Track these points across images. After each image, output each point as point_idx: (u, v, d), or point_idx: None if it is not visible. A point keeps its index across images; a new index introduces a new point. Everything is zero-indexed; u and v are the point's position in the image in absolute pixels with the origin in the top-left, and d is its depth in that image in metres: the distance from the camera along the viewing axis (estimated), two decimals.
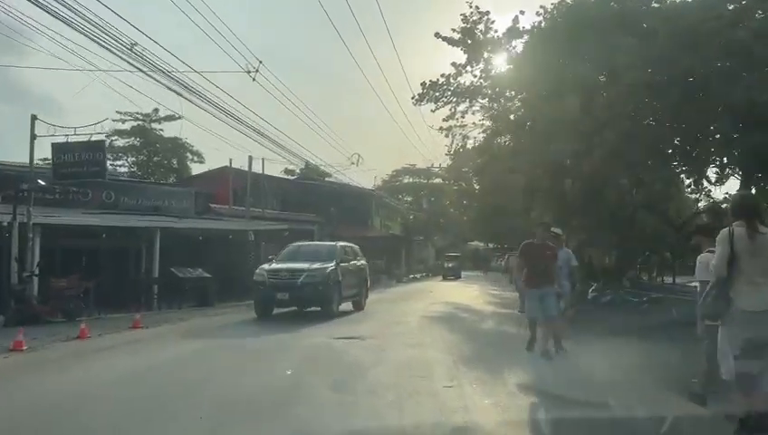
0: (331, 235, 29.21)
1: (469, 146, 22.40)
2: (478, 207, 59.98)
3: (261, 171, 24.38)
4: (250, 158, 23.74)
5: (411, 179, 69.40)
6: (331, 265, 14.91)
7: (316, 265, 14.64)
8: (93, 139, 15.18)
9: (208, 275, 18.50)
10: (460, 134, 21.94)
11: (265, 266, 15.29)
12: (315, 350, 9.95)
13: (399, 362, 8.56)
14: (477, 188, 60.16)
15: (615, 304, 12.78)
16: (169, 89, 14.36)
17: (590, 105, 13.63)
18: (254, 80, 16.22)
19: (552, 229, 8.87)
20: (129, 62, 12.98)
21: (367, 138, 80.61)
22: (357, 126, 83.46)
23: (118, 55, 12.39)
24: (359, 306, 16.97)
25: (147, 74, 13.64)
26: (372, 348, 9.91)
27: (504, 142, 32.94)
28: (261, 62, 16.12)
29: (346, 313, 15.91)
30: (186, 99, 14.89)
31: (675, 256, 23.79)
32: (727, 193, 18.96)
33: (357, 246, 18.10)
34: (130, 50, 12.16)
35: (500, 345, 10.57)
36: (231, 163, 25.59)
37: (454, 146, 22.17)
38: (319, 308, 14.72)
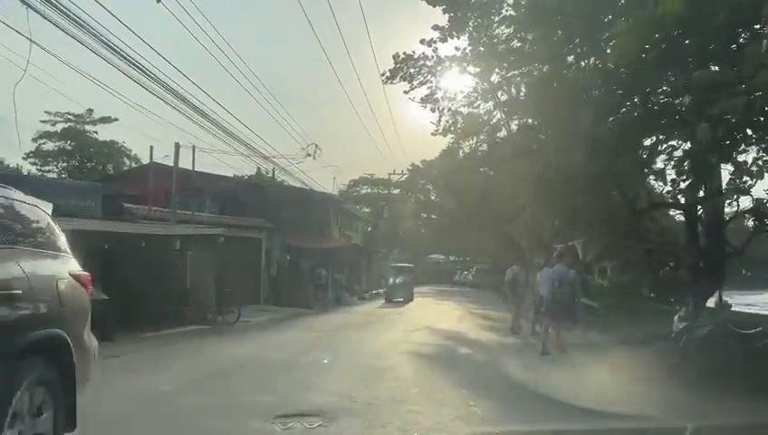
0: (282, 244, 23.93)
1: (460, 124, 17.54)
2: (438, 219, 56.57)
3: (192, 163, 18.90)
4: (177, 145, 18.30)
5: (370, 190, 65.41)
6: None
7: None
8: None
9: (105, 297, 12.92)
10: (449, 109, 17.06)
11: None
12: None
13: None
14: (435, 198, 57.09)
15: (716, 340, 7.98)
16: None
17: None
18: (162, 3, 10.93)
19: None
20: None
21: (328, 132, 74.93)
22: (319, 120, 77.76)
23: None
24: None
25: None
26: None
27: (476, 144, 29.05)
28: None
29: (293, 355, 10.72)
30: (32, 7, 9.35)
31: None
32: None
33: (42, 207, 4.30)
34: None
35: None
36: (152, 153, 20.06)
37: (443, 123, 17.25)
38: None
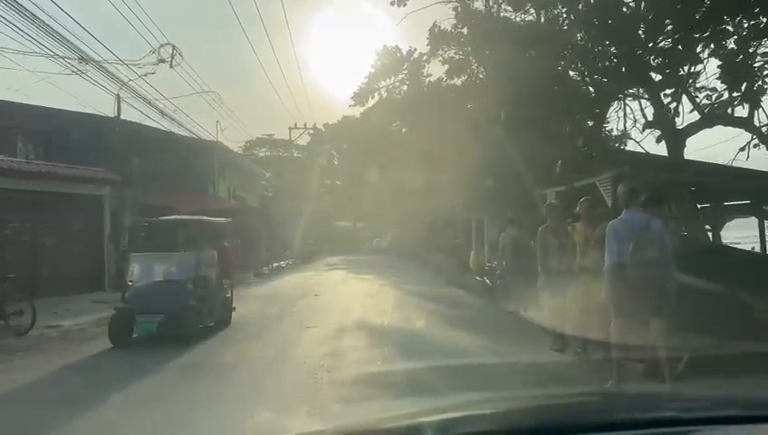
0: (137, 205, 16.37)
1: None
2: (343, 185, 50.77)
3: None
4: None
5: (269, 152, 57.91)
6: None
7: None
8: None
9: None
10: None
11: None
12: None
13: None
14: (338, 163, 51.32)
15: None
16: None
17: None
18: None
19: None
20: None
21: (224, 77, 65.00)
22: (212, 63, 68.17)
23: None
24: None
25: None
26: None
27: (395, 83, 24.32)
28: None
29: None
30: None
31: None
32: None
33: None
34: None
35: None
36: None
37: None
38: None
